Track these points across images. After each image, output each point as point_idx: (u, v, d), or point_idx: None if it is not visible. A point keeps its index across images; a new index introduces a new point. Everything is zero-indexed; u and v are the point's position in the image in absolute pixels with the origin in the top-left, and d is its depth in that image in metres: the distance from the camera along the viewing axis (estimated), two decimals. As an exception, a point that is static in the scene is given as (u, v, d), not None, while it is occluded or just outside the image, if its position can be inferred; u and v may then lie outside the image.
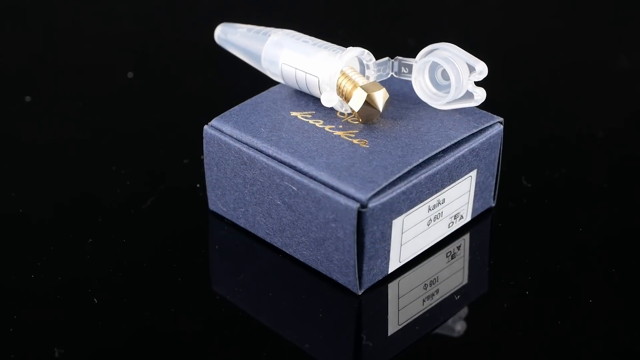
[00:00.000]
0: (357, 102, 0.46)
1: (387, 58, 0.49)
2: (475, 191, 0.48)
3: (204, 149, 0.49)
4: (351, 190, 0.44)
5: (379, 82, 0.49)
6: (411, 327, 0.45)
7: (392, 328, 0.45)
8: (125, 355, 0.44)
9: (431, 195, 0.46)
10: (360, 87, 0.46)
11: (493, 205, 0.51)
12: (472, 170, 0.48)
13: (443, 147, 0.46)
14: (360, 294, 0.46)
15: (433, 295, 0.47)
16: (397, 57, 0.49)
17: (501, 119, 0.48)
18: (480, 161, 0.48)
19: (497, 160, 0.49)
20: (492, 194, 0.50)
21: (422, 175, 0.45)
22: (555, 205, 0.51)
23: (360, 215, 0.43)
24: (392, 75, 0.49)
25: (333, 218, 0.44)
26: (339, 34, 0.66)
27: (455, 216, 0.48)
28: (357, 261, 0.44)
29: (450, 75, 0.47)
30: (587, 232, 0.50)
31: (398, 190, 0.44)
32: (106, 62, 0.65)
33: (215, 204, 0.50)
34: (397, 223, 0.45)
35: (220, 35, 0.52)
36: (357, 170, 0.45)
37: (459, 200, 0.48)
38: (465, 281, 0.48)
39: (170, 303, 0.46)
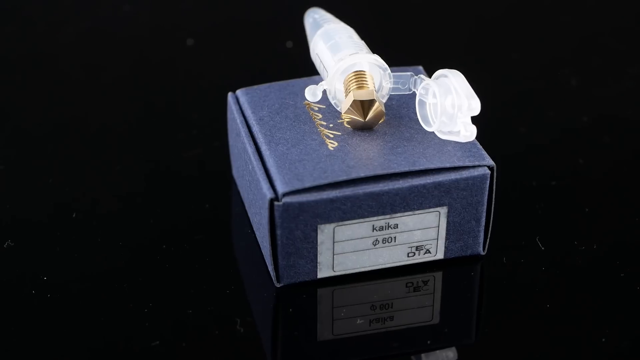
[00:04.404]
0: (345, 105, 0.46)
1: (409, 73, 0.47)
2: (448, 230, 0.46)
3: (227, 115, 0.51)
4: (277, 182, 0.44)
5: (400, 95, 0.48)
6: (353, 343, 0.45)
7: (325, 335, 0.45)
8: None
9: (376, 215, 0.45)
10: (354, 91, 0.46)
11: (482, 253, 0.47)
12: (440, 206, 0.45)
13: (396, 171, 0.44)
14: (278, 286, 0.46)
15: (385, 320, 0.46)
16: (420, 74, 0.47)
17: (491, 164, 0.45)
18: (454, 200, 0.45)
19: (483, 206, 0.46)
20: (480, 241, 0.47)
21: (361, 190, 0.44)
22: (546, 280, 0.47)
23: (272, 207, 0.44)
24: (414, 91, 0.48)
25: (261, 204, 0.45)
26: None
27: (417, 247, 0.46)
28: (273, 253, 0.45)
29: (437, 104, 0.45)
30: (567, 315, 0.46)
31: (325, 197, 0.44)
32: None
33: (233, 169, 0.52)
34: (325, 229, 0.45)
35: (305, 19, 0.54)
36: (299, 166, 0.45)
37: (421, 233, 0.46)
38: (437, 321, 0.46)
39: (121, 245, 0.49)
